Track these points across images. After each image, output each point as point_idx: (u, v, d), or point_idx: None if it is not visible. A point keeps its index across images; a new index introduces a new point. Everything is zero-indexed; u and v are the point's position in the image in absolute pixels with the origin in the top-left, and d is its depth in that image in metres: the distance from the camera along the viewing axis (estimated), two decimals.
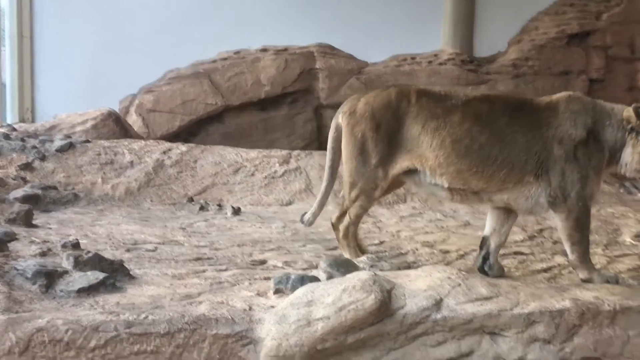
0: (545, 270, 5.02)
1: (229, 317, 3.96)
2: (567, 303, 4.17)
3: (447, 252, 5.53)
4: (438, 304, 4.07)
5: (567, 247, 4.73)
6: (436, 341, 3.99)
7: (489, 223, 5.00)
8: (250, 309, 4.07)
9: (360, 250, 5.19)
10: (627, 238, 6.15)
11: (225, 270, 4.85)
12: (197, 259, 5.14)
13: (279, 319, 3.91)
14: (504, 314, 4.06)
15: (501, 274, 4.93)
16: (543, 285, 4.59)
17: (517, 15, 13.02)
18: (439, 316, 4.01)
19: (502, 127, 4.65)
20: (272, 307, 4.07)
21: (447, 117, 4.69)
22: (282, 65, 11.82)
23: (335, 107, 11.57)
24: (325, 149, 5.22)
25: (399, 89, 4.92)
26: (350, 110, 4.94)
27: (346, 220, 5.08)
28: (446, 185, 4.79)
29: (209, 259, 5.16)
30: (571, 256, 4.72)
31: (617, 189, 8.47)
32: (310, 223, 5.40)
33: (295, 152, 8.72)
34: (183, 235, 6.07)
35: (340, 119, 5.01)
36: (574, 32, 12.95)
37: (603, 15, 12.90)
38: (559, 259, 5.32)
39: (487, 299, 4.17)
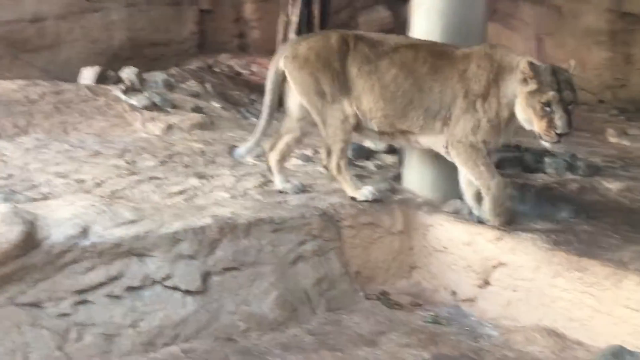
0: (181, 193, 5.24)
1: None
2: (207, 220, 4.45)
3: (82, 181, 5.45)
4: (85, 231, 4.06)
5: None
6: (85, 268, 3.99)
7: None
8: None
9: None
10: (249, 158, 6.61)
11: None
12: None
13: None
14: (151, 235, 4.20)
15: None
16: (183, 206, 4.81)
17: None
18: (87, 243, 4.01)
19: (423, 75, 4.91)
20: None
21: (377, 62, 4.96)
22: None
23: None
24: None
25: (339, 34, 5.13)
26: (292, 55, 5.09)
27: (334, 157, 5.13)
28: (376, 129, 5.09)
29: None
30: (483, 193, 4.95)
31: (233, 115, 9.01)
32: (241, 157, 5.60)
33: None
34: None
35: (281, 63, 5.13)
36: None
37: None
38: (193, 181, 5.57)
39: (133, 222, 4.26)
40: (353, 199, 5.15)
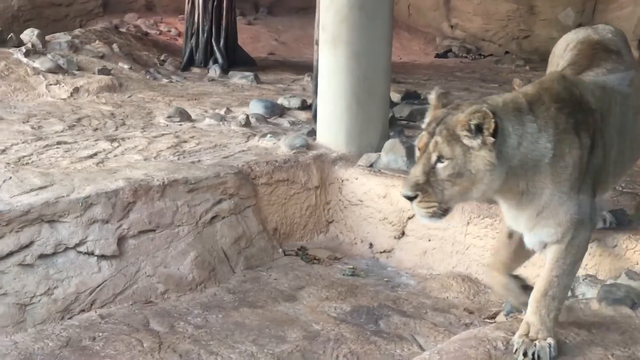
0: (92, 156, 5.11)
1: None
2: (120, 183, 4.36)
3: None
4: None
5: None
6: None
7: None
8: None
9: None
10: (161, 120, 6.50)
11: None
12: None
13: None
14: (61, 201, 4.08)
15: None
16: (94, 170, 4.69)
17: None
18: None
19: None
20: None
21: None
22: None
23: None
24: None
25: None
26: None
27: None
28: None
29: None
30: None
31: (143, 75, 8.81)
32: None
33: None
34: None
35: None
36: None
37: None
38: (103, 145, 5.44)
39: (42, 188, 4.14)
40: None
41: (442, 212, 2.65)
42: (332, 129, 5.51)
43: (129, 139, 5.69)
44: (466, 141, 2.60)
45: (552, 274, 2.80)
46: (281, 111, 6.85)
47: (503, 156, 2.62)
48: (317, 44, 5.90)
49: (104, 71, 8.30)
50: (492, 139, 2.56)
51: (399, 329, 3.87)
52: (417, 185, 2.65)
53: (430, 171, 2.65)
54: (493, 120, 2.55)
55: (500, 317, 3.79)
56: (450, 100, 2.82)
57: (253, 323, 3.89)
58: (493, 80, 10.05)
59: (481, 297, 4.27)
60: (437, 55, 13.61)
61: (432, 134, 2.68)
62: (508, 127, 2.63)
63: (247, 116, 6.36)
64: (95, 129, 6.09)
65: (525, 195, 2.76)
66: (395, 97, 7.32)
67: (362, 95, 5.34)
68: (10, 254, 3.88)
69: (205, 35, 10.47)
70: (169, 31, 12.61)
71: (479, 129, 2.58)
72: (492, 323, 3.65)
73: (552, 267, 2.81)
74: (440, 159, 2.64)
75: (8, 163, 4.56)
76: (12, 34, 8.86)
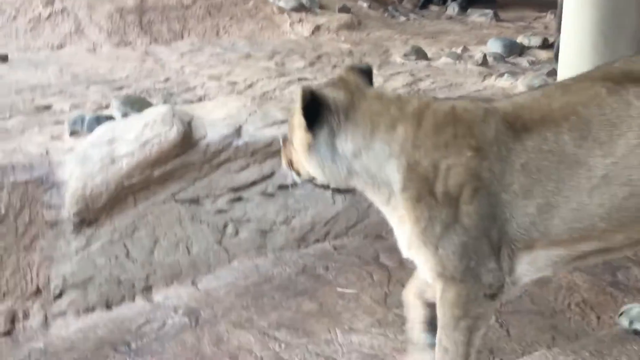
0: None
1: (26, 163, 3.82)
2: None
3: (234, 83, 5.60)
4: (238, 131, 4.18)
5: None
6: (239, 166, 4.13)
7: None
8: (47, 153, 3.93)
9: None
10: (397, 58, 6.54)
11: (9, 118, 4.58)
12: None
13: (82, 160, 3.83)
14: None
15: None
16: None
17: None
18: (240, 142, 4.13)
19: None
20: (71, 149, 3.96)
21: None
22: None
23: None
24: None
25: None
26: None
27: None
28: None
29: None
30: None
31: (381, 14, 8.88)
32: None
33: None
34: None
35: None
36: None
37: None
38: None
39: (283, 122, 4.32)
40: None
41: (295, 173, 2.52)
42: (575, 68, 5.21)
43: None
44: (294, 112, 2.29)
45: (440, 326, 2.30)
46: (520, 50, 6.60)
47: (332, 151, 2.26)
48: None
49: (344, 9, 8.46)
50: (302, 120, 2.20)
51: (639, 282, 3.64)
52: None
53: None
54: (302, 103, 2.17)
55: None
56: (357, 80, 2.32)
57: None
58: None
59: None
60: None
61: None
62: (347, 129, 2.24)
63: (485, 55, 6.20)
64: (334, 66, 6.26)
65: (394, 212, 2.28)
66: None
67: (610, 32, 4.98)
68: (254, 183, 4.14)
69: None
70: None
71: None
72: None
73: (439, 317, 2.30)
74: None
75: (254, 97, 4.82)
76: None
